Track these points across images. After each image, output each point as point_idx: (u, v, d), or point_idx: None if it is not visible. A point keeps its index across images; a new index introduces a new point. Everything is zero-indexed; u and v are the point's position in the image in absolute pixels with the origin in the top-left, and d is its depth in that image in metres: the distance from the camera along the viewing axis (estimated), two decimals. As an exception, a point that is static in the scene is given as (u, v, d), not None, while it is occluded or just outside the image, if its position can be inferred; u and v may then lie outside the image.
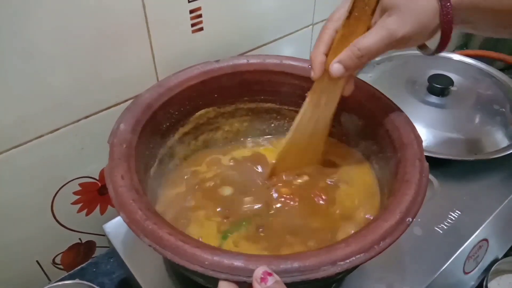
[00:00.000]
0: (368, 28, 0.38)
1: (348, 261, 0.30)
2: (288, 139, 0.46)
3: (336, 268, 0.30)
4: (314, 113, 0.44)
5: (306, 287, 0.36)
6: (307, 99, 0.43)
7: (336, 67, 0.38)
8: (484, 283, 0.55)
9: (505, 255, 0.59)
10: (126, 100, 0.50)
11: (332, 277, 0.31)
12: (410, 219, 0.33)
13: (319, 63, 0.40)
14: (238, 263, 0.30)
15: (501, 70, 0.75)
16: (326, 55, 0.40)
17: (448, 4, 0.35)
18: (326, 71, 0.40)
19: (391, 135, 0.41)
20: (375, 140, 0.46)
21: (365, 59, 0.37)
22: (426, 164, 0.38)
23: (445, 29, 0.36)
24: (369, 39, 0.37)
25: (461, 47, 0.99)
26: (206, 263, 0.30)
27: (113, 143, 0.39)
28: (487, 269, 0.57)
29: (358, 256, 0.31)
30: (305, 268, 0.30)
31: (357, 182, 0.47)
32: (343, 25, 0.37)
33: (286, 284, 0.29)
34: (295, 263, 0.30)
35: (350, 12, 0.36)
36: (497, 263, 0.57)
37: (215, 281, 0.30)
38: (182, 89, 0.46)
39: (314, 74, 0.40)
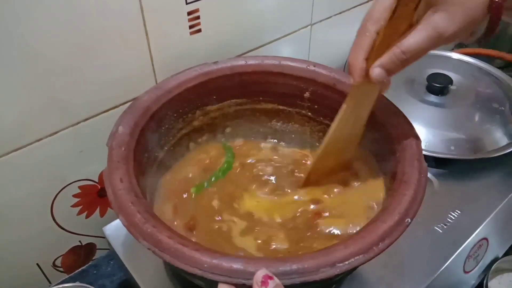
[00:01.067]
0: (411, 25, 0.34)
1: (347, 262, 0.30)
2: (324, 145, 0.43)
3: (335, 270, 0.30)
4: (351, 117, 0.41)
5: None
6: (344, 105, 0.40)
7: (378, 72, 0.35)
8: (485, 282, 0.55)
9: (506, 254, 0.59)
10: (125, 102, 0.50)
11: (331, 279, 0.31)
12: (409, 220, 0.33)
13: (359, 69, 0.36)
14: (237, 265, 0.30)
15: (501, 68, 0.75)
16: (366, 59, 0.36)
17: None
18: (366, 75, 0.37)
19: (389, 135, 0.41)
20: (373, 140, 0.46)
21: (409, 62, 0.35)
22: (425, 164, 0.38)
23: (494, 20, 0.34)
24: (414, 40, 0.34)
25: (460, 45, 0.99)
26: (205, 266, 0.30)
27: (112, 146, 0.39)
28: (488, 268, 0.57)
29: (357, 257, 0.31)
30: (304, 270, 0.30)
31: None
32: (385, 27, 0.34)
33: (285, 286, 0.29)
34: (294, 265, 0.30)
35: (394, 11, 0.33)
36: (497, 262, 0.57)
37: (215, 284, 0.30)
38: (180, 91, 0.46)
39: (354, 80, 0.37)
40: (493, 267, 0.56)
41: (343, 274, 0.31)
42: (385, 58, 0.35)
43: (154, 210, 0.42)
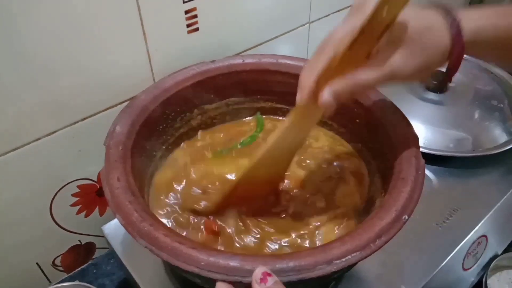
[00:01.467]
0: (369, 54, 0.33)
1: (343, 259, 0.30)
2: (257, 157, 0.40)
3: (332, 267, 0.30)
4: (290, 134, 0.39)
5: (304, 286, 0.36)
6: (286, 120, 0.38)
7: (326, 98, 0.33)
8: (484, 280, 0.55)
9: (505, 251, 0.59)
10: (123, 102, 0.50)
11: (329, 276, 0.31)
12: (406, 217, 0.33)
13: (308, 90, 0.34)
14: (233, 263, 0.30)
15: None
16: (317, 81, 0.34)
17: (461, 41, 0.33)
18: (314, 95, 0.34)
19: (387, 133, 0.41)
20: (372, 138, 0.46)
21: (360, 94, 0.34)
22: (422, 161, 0.38)
23: (452, 68, 0.34)
24: (369, 76, 0.32)
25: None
26: (202, 263, 0.30)
27: (109, 145, 0.39)
28: (487, 265, 0.57)
29: (354, 254, 0.31)
30: (301, 267, 0.30)
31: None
32: (345, 50, 0.31)
33: (283, 283, 0.29)
34: (290, 262, 0.30)
35: (356, 38, 0.31)
36: (496, 259, 0.56)
37: (213, 282, 0.30)
38: (178, 90, 0.46)
39: (301, 99, 0.35)
40: (492, 264, 0.56)
41: (340, 271, 0.31)
42: (337, 85, 0.33)
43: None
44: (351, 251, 0.31)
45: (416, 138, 0.40)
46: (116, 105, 0.50)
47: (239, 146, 0.50)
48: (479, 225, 0.51)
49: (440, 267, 0.47)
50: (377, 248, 0.31)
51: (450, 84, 0.64)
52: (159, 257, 0.32)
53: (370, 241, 0.31)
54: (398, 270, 0.46)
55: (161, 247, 0.31)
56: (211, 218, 0.42)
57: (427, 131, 0.59)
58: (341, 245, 0.31)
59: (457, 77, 0.66)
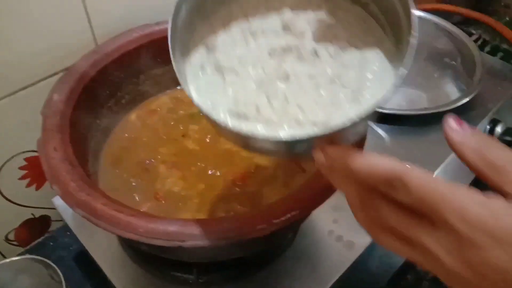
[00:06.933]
0: None
1: (283, 218, 0.31)
2: None
3: (271, 227, 0.30)
4: None
5: (252, 245, 0.36)
6: None
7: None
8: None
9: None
10: (65, 69, 0.48)
11: (269, 236, 0.31)
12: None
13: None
14: (172, 228, 0.30)
15: (458, 23, 0.75)
16: None
17: None
18: None
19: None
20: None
21: None
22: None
23: None
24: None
25: (419, 2, 0.99)
26: (141, 230, 0.30)
27: (46, 115, 0.38)
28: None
29: (294, 212, 0.31)
30: (241, 228, 0.30)
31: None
32: None
33: (223, 246, 0.29)
34: (230, 224, 0.30)
35: None
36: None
37: (157, 248, 0.30)
38: (120, 54, 0.44)
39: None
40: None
41: (281, 230, 0.32)
42: None
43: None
44: (290, 210, 0.31)
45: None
46: (57, 72, 0.48)
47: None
48: (430, 180, 0.53)
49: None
50: (314, 207, 0.32)
51: (405, 43, 0.63)
52: (98, 226, 0.31)
53: (310, 199, 0.32)
54: (348, 227, 0.47)
55: (99, 216, 0.31)
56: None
57: (381, 90, 0.59)
58: (281, 204, 0.31)
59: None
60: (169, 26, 0.26)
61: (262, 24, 0.29)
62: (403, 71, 0.23)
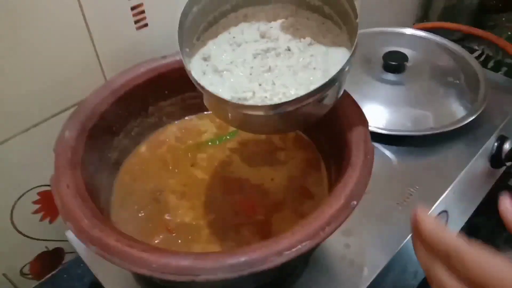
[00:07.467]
0: None
1: (294, 250, 0.31)
2: None
3: (282, 258, 0.30)
4: None
5: (263, 277, 0.36)
6: None
7: None
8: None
9: (467, 223, 0.61)
10: (75, 104, 0.49)
11: (281, 267, 0.31)
12: (355, 202, 0.34)
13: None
14: (185, 263, 0.30)
15: (459, 40, 0.76)
16: None
17: None
18: None
19: (338, 118, 0.42)
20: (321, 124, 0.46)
21: None
22: (371, 145, 0.38)
23: None
24: None
25: (421, 19, 1.00)
26: (154, 265, 0.30)
27: (58, 152, 0.38)
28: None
29: (304, 243, 0.31)
30: (252, 261, 0.30)
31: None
32: None
33: (234, 279, 0.30)
34: (242, 257, 0.30)
35: None
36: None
37: (171, 282, 0.30)
38: (128, 89, 0.45)
39: None
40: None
41: (292, 261, 0.32)
42: None
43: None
44: (301, 241, 0.31)
45: (366, 122, 0.40)
46: (68, 108, 0.49)
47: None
48: (439, 200, 0.52)
49: (402, 244, 0.48)
50: (327, 236, 0.32)
51: (407, 64, 0.64)
52: (111, 262, 0.31)
53: (320, 228, 0.32)
54: (360, 252, 0.47)
55: (112, 253, 0.31)
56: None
57: (386, 111, 0.60)
58: (291, 235, 0.31)
59: (414, 55, 0.67)
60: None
61: (244, 36, 0.38)
62: (355, 43, 0.33)
